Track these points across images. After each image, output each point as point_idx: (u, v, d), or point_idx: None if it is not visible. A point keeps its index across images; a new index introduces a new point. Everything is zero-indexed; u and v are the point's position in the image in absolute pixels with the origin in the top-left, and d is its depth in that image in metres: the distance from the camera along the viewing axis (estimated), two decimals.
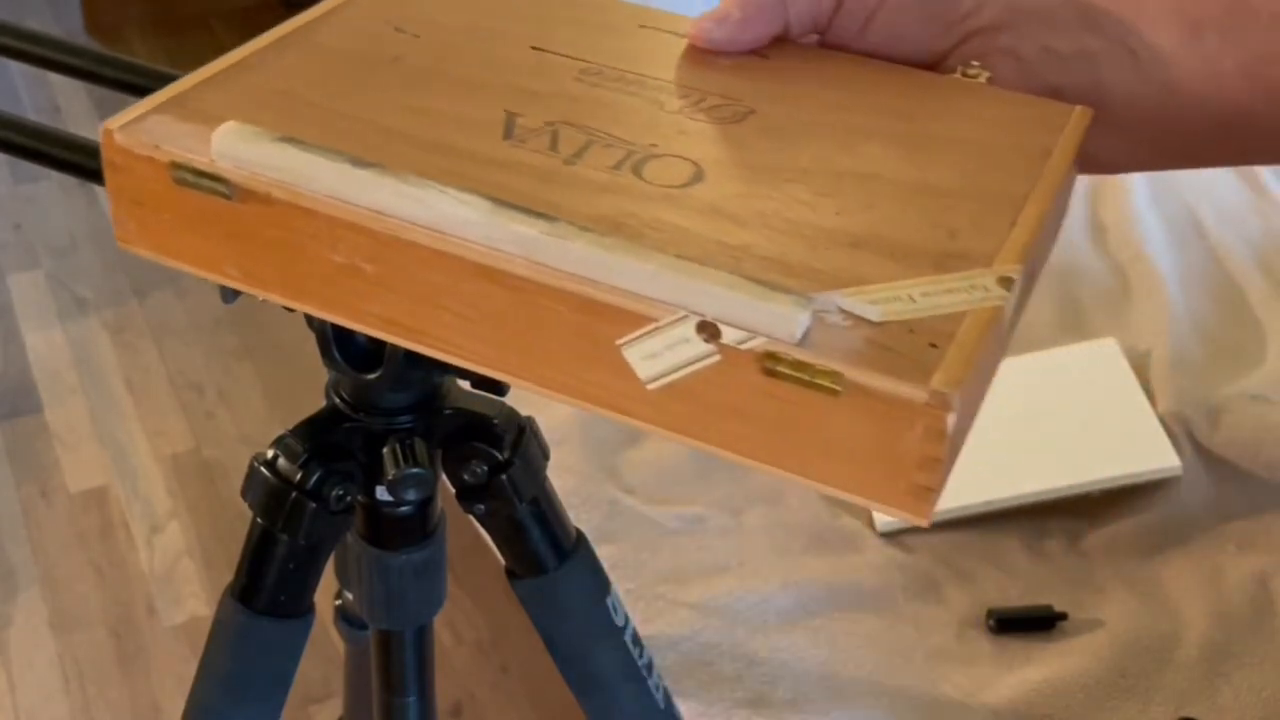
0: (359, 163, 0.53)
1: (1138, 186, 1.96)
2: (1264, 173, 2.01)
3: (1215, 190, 1.98)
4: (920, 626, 1.39)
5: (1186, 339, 1.70)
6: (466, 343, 0.54)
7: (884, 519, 1.49)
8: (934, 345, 0.47)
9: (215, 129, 0.54)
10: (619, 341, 0.50)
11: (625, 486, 1.54)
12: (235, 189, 0.54)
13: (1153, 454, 1.49)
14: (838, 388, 0.47)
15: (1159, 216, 1.92)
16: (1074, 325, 1.74)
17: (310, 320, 0.69)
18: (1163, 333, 1.69)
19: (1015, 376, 1.58)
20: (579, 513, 1.47)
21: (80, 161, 0.77)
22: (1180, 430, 1.55)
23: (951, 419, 0.46)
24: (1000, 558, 1.46)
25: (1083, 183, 2.01)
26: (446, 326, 0.53)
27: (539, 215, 0.51)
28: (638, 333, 0.50)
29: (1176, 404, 1.59)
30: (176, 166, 0.55)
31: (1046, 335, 1.71)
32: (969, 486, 1.49)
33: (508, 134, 0.57)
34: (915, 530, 1.48)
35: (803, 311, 0.47)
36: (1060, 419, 1.54)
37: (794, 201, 0.54)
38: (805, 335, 0.48)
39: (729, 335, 0.48)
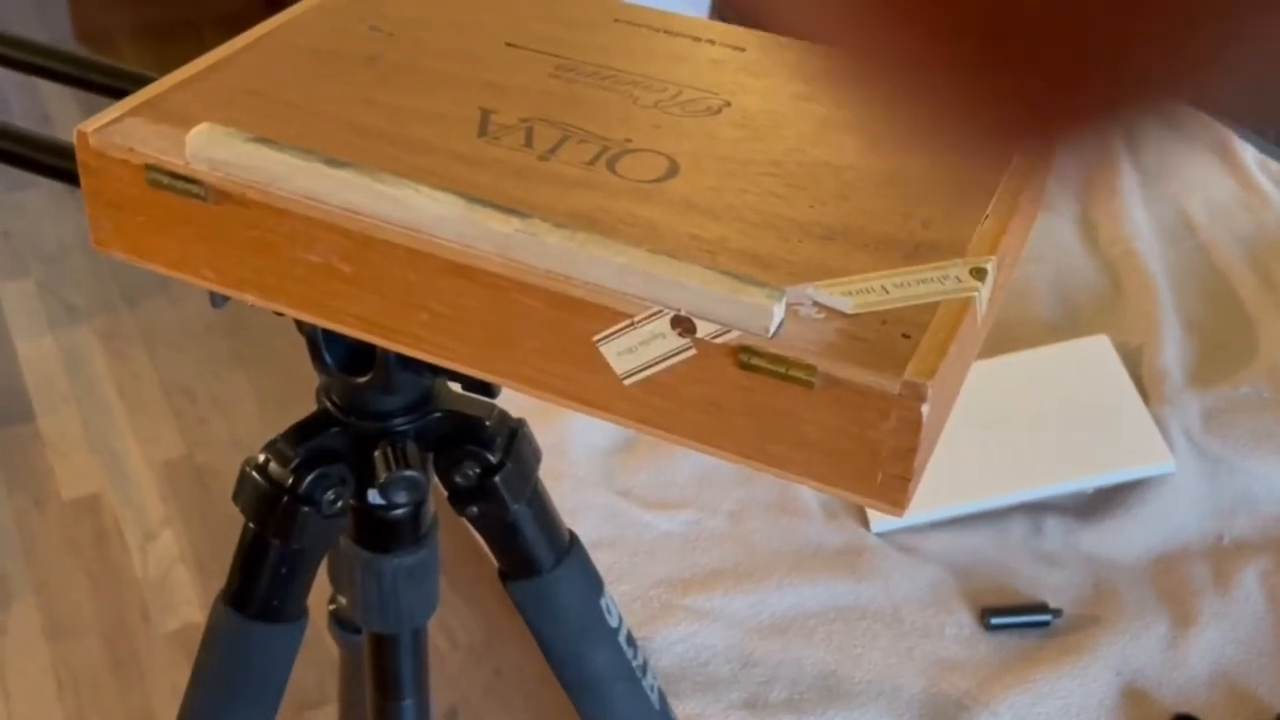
0: (333, 162, 0.53)
1: (1128, 184, 1.97)
2: (1253, 168, 2.01)
3: (1204, 186, 1.98)
4: (917, 626, 1.39)
5: (1178, 335, 1.70)
6: (443, 341, 0.54)
7: (878, 520, 1.49)
8: (907, 336, 0.47)
9: (190, 131, 0.55)
10: (595, 338, 0.50)
11: (621, 490, 1.54)
12: (210, 190, 0.54)
13: (1147, 452, 1.49)
14: (812, 380, 0.47)
15: (1149, 213, 1.92)
16: (1066, 323, 1.74)
17: (300, 325, 0.69)
18: (1154, 329, 1.69)
19: (1008, 374, 1.58)
20: (575, 517, 1.47)
21: (69, 168, 0.77)
22: (1174, 427, 1.55)
23: (925, 409, 0.46)
24: (996, 557, 1.46)
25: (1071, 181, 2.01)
26: (423, 325, 0.53)
27: (513, 212, 0.51)
28: (614, 328, 0.50)
29: (1169, 401, 1.59)
30: (151, 169, 0.55)
31: (1038, 333, 1.71)
32: (964, 487, 1.48)
33: (482, 131, 0.57)
34: (910, 530, 1.48)
35: (776, 304, 0.48)
36: (1054, 417, 1.54)
37: (768, 194, 0.55)
38: (779, 328, 0.48)
39: (704, 329, 0.48)
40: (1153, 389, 1.61)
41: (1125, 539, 1.47)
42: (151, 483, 1.67)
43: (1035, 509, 1.50)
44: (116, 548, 1.58)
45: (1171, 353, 1.66)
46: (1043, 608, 1.39)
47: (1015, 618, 1.39)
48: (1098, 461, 1.49)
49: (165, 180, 0.55)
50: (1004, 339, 1.68)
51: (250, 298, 0.57)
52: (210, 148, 0.54)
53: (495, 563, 0.91)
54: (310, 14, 0.66)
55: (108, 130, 0.56)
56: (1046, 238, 1.88)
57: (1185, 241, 1.87)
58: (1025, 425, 1.53)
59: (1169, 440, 1.52)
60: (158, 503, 1.64)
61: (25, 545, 1.59)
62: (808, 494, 1.52)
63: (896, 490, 0.49)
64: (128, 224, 0.57)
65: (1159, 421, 1.54)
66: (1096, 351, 1.61)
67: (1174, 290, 1.77)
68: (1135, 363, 1.65)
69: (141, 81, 0.85)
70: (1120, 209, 1.91)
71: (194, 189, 0.54)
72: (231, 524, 0.82)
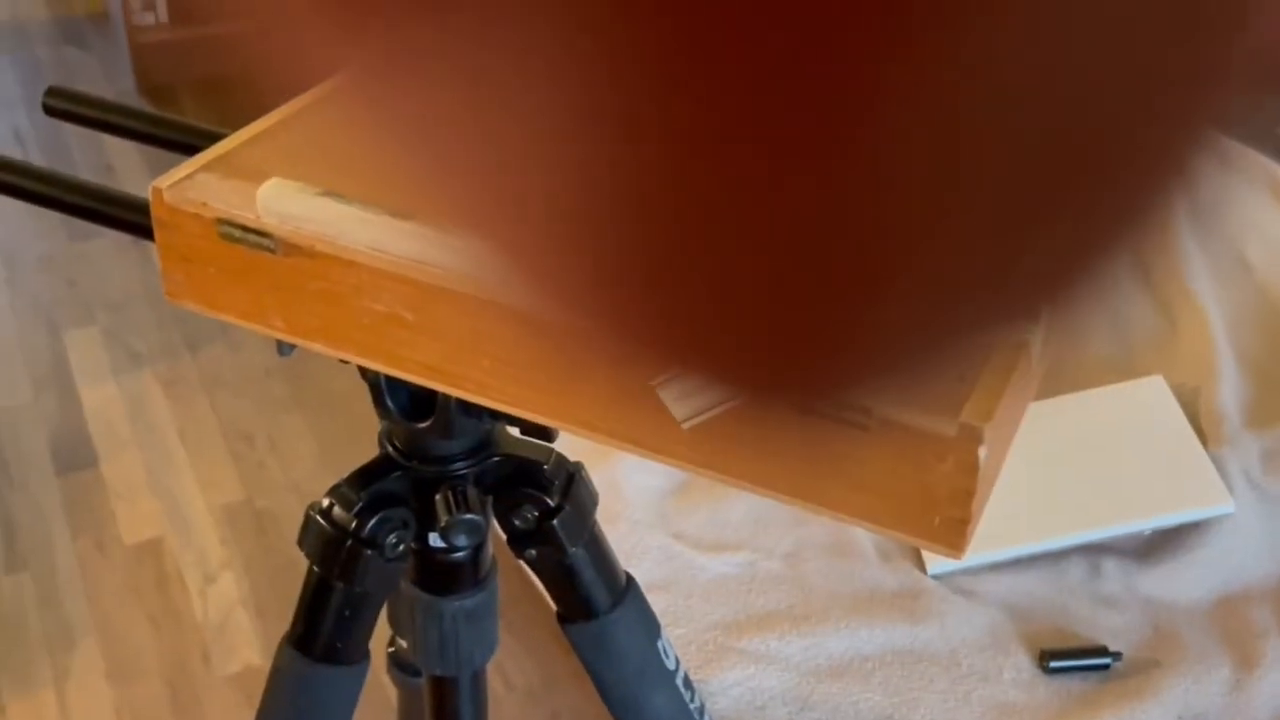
0: (399, 214, 0.54)
1: (1182, 223, 1.96)
2: None
3: (1260, 224, 1.97)
4: (975, 669, 1.38)
5: (1235, 376, 1.68)
6: (505, 387, 0.55)
7: (935, 562, 1.48)
8: (962, 379, 0.48)
9: (260, 186, 0.56)
10: (653, 382, 0.51)
11: (676, 532, 1.54)
12: (279, 243, 0.56)
13: (1205, 494, 1.48)
14: (868, 422, 0.47)
15: (1204, 254, 1.91)
16: (1121, 363, 1.73)
17: (364, 371, 0.71)
18: (1211, 369, 1.68)
19: (1064, 416, 1.58)
20: (630, 560, 1.48)
21: (133, 219, 0.79)
22: (1232, 468, 1.54)
23: (983, 452, 0.47)
24: (1056, 599, 1.45)
25: None
26: (486, 371, 0.55)
27: None
28: (671, 373, 0.50)
29: (1227, 441, 1.57)
30: (223, 223, 0.56)
31: (1094, 374, 1.70)
32: (1021, 528, 1.48)
33: None
34: (967, 572, 1.48)
35: None
36: (1110, 458, 1.53)
37: None
38: None
39: None
40: (1210, 430, 1.59)
41: (1185, 581, 1.46)
42: (211, 527, 1.69)
43: (1093, 550, 1.49)
44: (177, 591, 1.60)
45: (1229, 393, 1.64)
46: (1102, 650, 1.38)
47: (1074, 660, 1.37)
48: (1155, 503, 1.48)
49: (236, 234, 0.56)
50: (1060, 380, 1.67)
51: (318, 347, 0.58)
52: (280, 202, 0.55)
53: (552, 605, 0.92)
54: None
55: (181, 186, 0.58)
56: None
57: (1241, 282, 1.86)
58: (1082, 466, 1.52)
59: (1228, 481, 1.51)
60: (218, 546, 1.66)
61: (88, 589, 1.61)
62: (863, 536, 1.52)
63: (954, 533, 0.49)
64: (200, 276, 0.59)
65: (1217, 463, 1.53)
66: (1152, 392, 1.60)
67: (1230, 331, 1.76)
68: (1192, 404, 1.64)
69: (205, 136, 0.87)
70: (1175, 250, 1.90)
71: (264, 242, 0.56)
72: (290, 567, 0.83)
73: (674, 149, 0.14)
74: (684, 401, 0.51)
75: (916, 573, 1.48)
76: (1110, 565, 1.48)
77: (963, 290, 0.16)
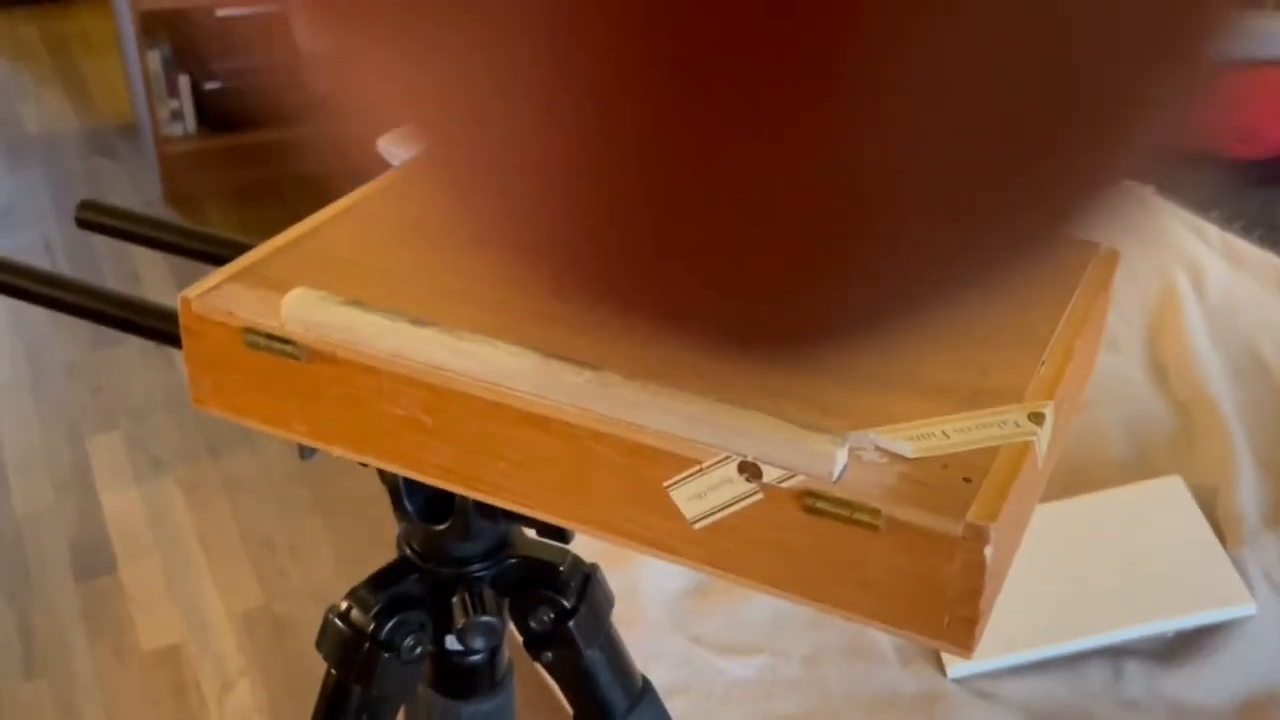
0: (418, 322, 0.56)
1: (1196, 325, 1.97)
2: None
3: (1275, 325, 1.97)
4: None
5: (1253, 476, 1.68)
6: (520, 488, 0.56)
7: (955, 664, 1.47)
8: (968, 480, 0.49)
9: (284, 295, 0.58)
10: (666, 483, 0.52)
11: (694, 635, 1.54)
12: (304, 350, 0.57)
13: (1226, 594, 1.47)
14: (876, 523, 0.48)
15: (1219, 353, 1.92)
16: (1137, 464, 1.73)
17: (383, 474, 0.72)
18: (1229, 470, 1.67)
19: (1081, 516, 1.58)
20: (647, 662, 1.47)
21: (161, 328, 0.80)
22: (1253, 569, 1.53)
23: (989, 552, 0.47)
24: (1078, 702, 1.44)
25: (1141, 323, 2.01)
26: (501, 473, 0.56)
27: (585, 365, 0.54)
28: (683, 474, 0.52)
29: (1247, 542, 1.57)
30: (249, 331, 0.58)
31: (1110, 475, 1.70)
32: (1041, 630, 1.47)
33: None
34: (988, 675, 1.47)
35: (839, 450, 0.49)
36: (1130, 559, 1.52)
37: None
38: (843, 473, 0.49)
39: (770, 474, 0.50)
40: (1229, 531, 1.59)
41: (1209, 684, 1.44)
42: (230, 633, 1.69)
43: (1115, 653, 1.48)
44: (194, 699, 1.60)
45: (1247, 494, 1.64)
46: None
47: None
48: (1176, 604, 1.47)
49: (262, 341, 0.58)
50: (1076, 481, 1.67)
51: (339, 451, 0.59)
52: (304, 310, 0.57)
53: (569, 709, 0.92)
54: (392, 186, 0.70)
55: (209, 296, 0.60)
56: (1116, 379, 1.88)
57: (1258, 381, 1.87)
58: (1101, 568, 1.52)
59: (1248, 582, 1.50)
60: (235, 653, 1.66)
61: (105, 696, 1.61)
62: (883, 638, 1.51)
63: (963, 632, 0.50)
64: (226, 383, 0.60)
65: (1237, 563, 1.52)
66: (1170, 493, 1.60)
67: (1248, 431, 1.76)
68: (1210, 504, 1.63)
69: (229, 246, 0.89)
70: (1190, 350, 1.91)
71: (289, 349, 0.57)
72: (307, 674, 0.83)
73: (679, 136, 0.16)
74: (695, 501, 0.52)
75: (937, 676, 1.47)
76: (1133, 668, 1.46)
77: (914, 254, 0.18)
